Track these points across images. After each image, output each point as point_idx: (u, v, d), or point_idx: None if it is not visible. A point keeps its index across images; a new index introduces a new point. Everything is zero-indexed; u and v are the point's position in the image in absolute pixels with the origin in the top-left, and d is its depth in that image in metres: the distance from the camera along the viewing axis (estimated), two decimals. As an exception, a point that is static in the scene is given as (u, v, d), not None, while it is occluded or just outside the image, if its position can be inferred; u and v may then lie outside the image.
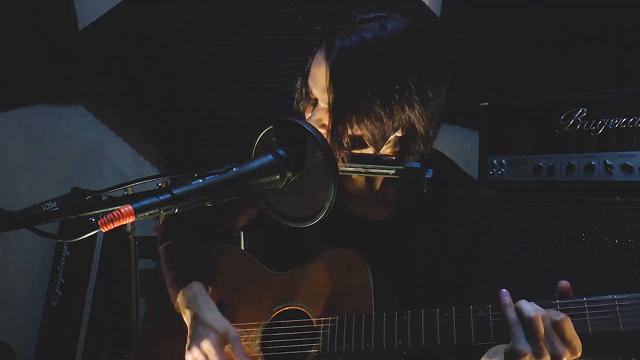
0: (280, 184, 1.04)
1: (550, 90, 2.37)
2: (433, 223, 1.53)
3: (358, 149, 1.39)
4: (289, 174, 1.04)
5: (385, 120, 1.34)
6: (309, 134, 1.03)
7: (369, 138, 1.36)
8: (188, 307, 1.52)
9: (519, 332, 1.16)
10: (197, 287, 1.54)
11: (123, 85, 2.82)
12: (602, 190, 1.86)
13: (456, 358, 1.47)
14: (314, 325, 1.43)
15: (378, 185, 1.57)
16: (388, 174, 1.39)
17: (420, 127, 1.39)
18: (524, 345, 1.14)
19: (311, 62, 1.43)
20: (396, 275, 1.48)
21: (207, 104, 2.82)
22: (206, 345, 1.43)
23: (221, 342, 1.44)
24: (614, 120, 1.84)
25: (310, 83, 1.41)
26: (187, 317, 1.52)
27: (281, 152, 1.04)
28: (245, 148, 1.14)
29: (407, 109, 1.34)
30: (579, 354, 1.15)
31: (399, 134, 1.40)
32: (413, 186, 1.43)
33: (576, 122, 1.91)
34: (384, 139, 1.38)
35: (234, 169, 0.99)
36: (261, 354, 1.48)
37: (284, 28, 2.76)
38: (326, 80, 1.35)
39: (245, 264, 1.64)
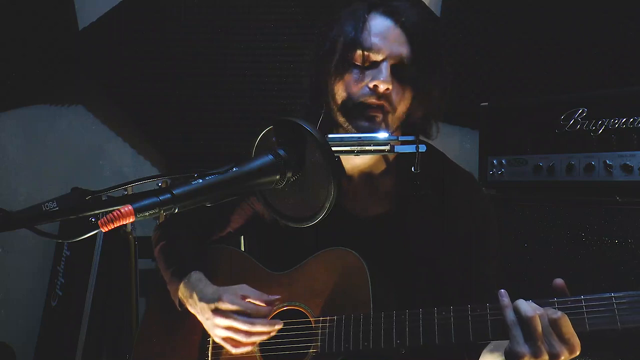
0: (281, 184, 1.04)
1: (550, 90, 2.37)
2: (430, 216, 1.53)
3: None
4: (289, 174, 1.04)
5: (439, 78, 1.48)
6: (309, 134, 1.02)
7: (432, 99, 1.49)
8: (191, 294, 1.51)
9: (517, 333, 1.16)
10: (196, 275, 1.55)
11: (123, 85, 2.82)
12: (602, 190, 1.86)
13: (454, 357, 1.47)
14: (313, 325, 1.43)
15: (372, 180, 1.58)
16: (383, 150, 1.36)
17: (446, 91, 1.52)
18: (522, 347, 1.15)
19: (362, 25, 1.44)
20: (394, 270, 1.49)
21: (207, 104, 2.82)
22: (225, 313, 1.42)
23: (237, 296, 1.45)
24: (614, 120, 1.84)
25: (376, 42, 1.42)
26: (193, 303, 1.51)
27: (281, 152, 1.04)
28: (245, 148, 1.13)
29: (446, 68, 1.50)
30: (578, 352, 1.15)
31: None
32: (408, 165, 1.43)
33: (576, 122, 1.91)
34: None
35: (234, 169, 0.99)
36: (260, 354, 1.48)
37: (284, 28, 2.76)
38: (404, 34, 1.43)
39: (243, 264, 1.64)
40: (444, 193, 1.55)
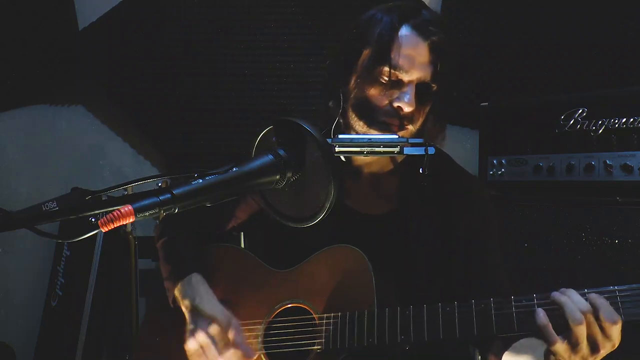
0: (281, 184, 1.04)
1: (550, 90, 2.37)
2: (434, 214, 1.54)
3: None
4: (289, 174, 1.04)
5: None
6: (309, 134, 1.03)
7: (446, 110, 1.54)
8: (187, 297, 1.52)
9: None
10: (196, 278, 1.56)
11: (123, 85, 2.82)
12: (602, 190, 1.86)
13: (458, 351, 1.47)
14: (316, 322, 1.43)
15: (378, 179, 1.59)
16: (392, 152, 1.39)
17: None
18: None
19: (392, 39, 1.43)
20: (398, 269, 1.49)
21: (207, 104, 2.82)
22: (209, 332, 1.44)
23: (223, 331, 1.46)
24: (614, 120, 1.84)
25: (405, 64, 1.41)
26: (186, 307, 1.52)
27: (281, 152, 1.04)
28: (245, 148, 1.14)
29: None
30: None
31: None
32: (415, 165, 1.45)
33: (576, 122, 1.91)
34: None
35: (234, 169, 0.99)
36: (264, 351, 1.48)
37: (284, 28, 2.76)
38: (430, 54, 1.43)
39: (246, 262, 1.64)
40: (448, 194, 1.55)
